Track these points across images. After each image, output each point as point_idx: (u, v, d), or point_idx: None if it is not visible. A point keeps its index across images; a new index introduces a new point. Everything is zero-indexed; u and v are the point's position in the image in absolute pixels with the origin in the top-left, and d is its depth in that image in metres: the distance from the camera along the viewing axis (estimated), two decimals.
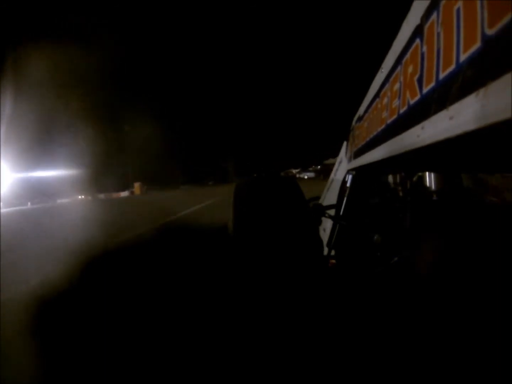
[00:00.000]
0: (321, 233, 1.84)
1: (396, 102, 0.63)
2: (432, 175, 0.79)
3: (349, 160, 1.52)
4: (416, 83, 0.51)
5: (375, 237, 1.24)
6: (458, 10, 0.39)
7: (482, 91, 0.29)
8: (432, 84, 0.43)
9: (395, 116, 0.64)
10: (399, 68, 0.65)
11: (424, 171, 0.80)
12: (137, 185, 38.24)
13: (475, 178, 0.77)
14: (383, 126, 0.76)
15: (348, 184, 1.50)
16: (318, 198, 2.16)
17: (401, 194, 1.06)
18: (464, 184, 0.78)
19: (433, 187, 0.80)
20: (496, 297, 0.60)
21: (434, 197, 0.79)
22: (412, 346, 0.77)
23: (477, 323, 0.61)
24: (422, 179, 0.84)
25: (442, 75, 0.40)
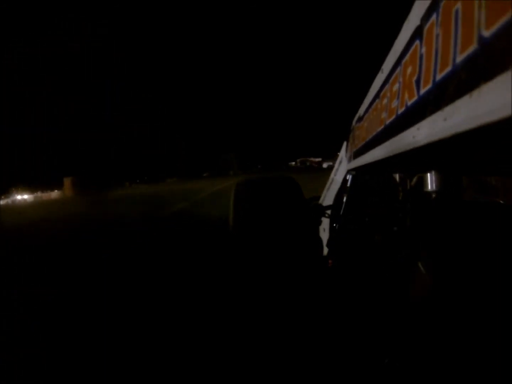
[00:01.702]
0: (321, 233, 1.84)
1: (394, 103, 0.64)
2: (432, 175, 0.79)
3: (349, 160, 1.52)
4: (414, 84, 0.51)
5: (375, 237, 1.24)
6: (456, 11, 0.40)
7: (475, 92, 0.29)
8: (429, 85, 0.43)
9: (393, 117, 0.64)
10: (398, 69, 0.65)
11: (422, 171, 0.80)
12: (67, 181, 25.30)
13: (474, 178, 0.78)
14: (382, 127, 0.77)
15: (348, 184, 1.50)
16: (318, 198, 2.16)
17: (401, 194, 1.06)
18: (463, 184, 0.78)
19: (433, 187, 0.80)
20: (496, 297, 0.60)
21: (434, 197, 0.79)
22: (412, 346, 0.77)
23: (478, 323, 0.61)
24: (422, 179, 0.84)
25: (438, 76, 0.40)
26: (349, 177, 1.50)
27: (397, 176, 1.07)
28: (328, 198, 2.00)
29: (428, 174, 0.80)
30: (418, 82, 0.49)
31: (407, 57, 0.60)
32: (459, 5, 0.39)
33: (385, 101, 0.76)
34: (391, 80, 0.72)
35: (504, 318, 0.57)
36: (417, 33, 0.55)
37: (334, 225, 1.58)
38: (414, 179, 0.94)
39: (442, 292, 0.73)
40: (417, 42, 0.55)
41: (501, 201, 0.74)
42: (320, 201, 2.13)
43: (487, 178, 0.76)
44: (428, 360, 0.72)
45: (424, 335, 0.75)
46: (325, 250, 1.63)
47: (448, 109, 0.35)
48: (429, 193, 0.80)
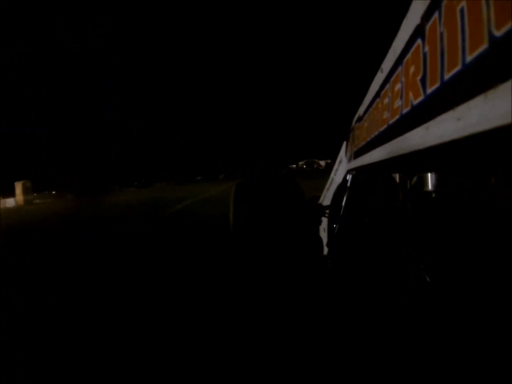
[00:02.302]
0: (321, 232, 1.84)
1: (398, 103, 0.63)
2: (432, 175, 0.79)
3: (349, 160, 1.52)
4: (419, 84, 0.51)
5: (375, 237, 1.24)
6: (462, 10, 0.39)
7: (490, 93, 0.28)
8: (437, 84, 0.42)
9: (397, 117, 0.64)
10: (400, 68, 0.65)
11: (425, 172, 0.80)
12: (18, 186, 21.45)
13: (475, 178, 0.77)
14: (384, 126, 0.76)
15: (348, 184, 1.50)
16: (318, 197, 2.16)
17: (401, 194, 1.06)
18: (464, 184, 0.78)
19: (433, 187, 0.80)
20: (495, 296, 0.60)
21: (434, 197, 0.79)
22: (412, 345, 0.77)
23: (477, 322, 0.62)
24: (422, 179, 0.84)
25: (447, 76, 0.39)
26: (349, 177, 1.50)
27: (397, 176, 1.07)
28: (328, 198, 2.00)
29: (428, 174, 0.79)
30: (423, 81, 0.49)
31: (409, 56, 0.59)
32: (463, 5, 0.39)
33: (386, 100, 0.76)
34: (392, 79, 0.72)
35: (504, 319, 0.58)
36: (418, 32, 0.54)
37: (334, 225, 1.58)
38: (414, 179, 0.94)
39: (442, 291, 0.73)
40: (419, 41, 0.54)
41: (501, 201, 0.74)
42: (320, 201, 2.14)
43: (487, 177, 0.76)
44: (428, 360, 0.72)
45: (424, 335, 0.75)
46: (325, 250, 1.63)
47: (461, 109, 0.34)
48: (429, 193, 0.80)
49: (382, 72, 0.84)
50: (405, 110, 0.58)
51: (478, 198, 0.77)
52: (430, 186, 0.80)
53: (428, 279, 0.79)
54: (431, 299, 0.75)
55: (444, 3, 0.44)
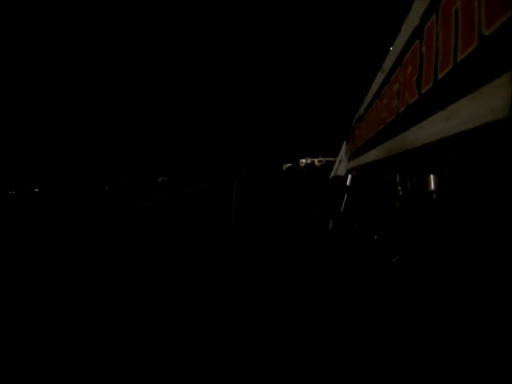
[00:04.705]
0: (322, 231, 1.84)
1: (395, 102, 0.64)
2: (432, 175, 0.79)
3: (349, 160, 1.52)
4: (415, 84, 0.51)
5: (375, 237, 1.24)
6: (456, 11, 0.40)
7: (478, 92, 0.29)
8: (430, 84, 0.43)
9: (394, 116, 0.64)
10: (398, 68, 0.65)
11: (423, 171, 0.80)
12: None
13: (472, 178, 0.78)
14: (382, 126, 0.76)
15: (348, 184, 1.50)
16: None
17: (401, 194, 1.06)
18: (463, 184, 0.78)
19: (433, 187, 0.80)
20: (494, 295, 0.60)
21: (434, 197, 0.79)
22: (412, 344, 0.78)
23: (476, 321, 0.62)
24: (422, 179, 0.84)
25: (440, 76, 0.40)
26: (349, 177, 1.50)
27: (397, 176, 1.07)
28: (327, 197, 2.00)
29: (428, 174, 0.80)
30: (419, 81, 0.49)
31: (407, 56, 0.60)
32: (458, 5, 0.39)
33: (385, 100, 0.76)
34: (391, 79, 0.72)
35: (504, 318, 0.58)
36: (417, 32, 0.55)
37: (334, 224, 1.59)
38: (414, 179, 0.94)
39: (442, 290, 0.74)
40: (417, 41, 0.55)
41: (500, 201, 0.74)
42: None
43: (486, 178, 0.76)
44: (428, 359, 0.72)
45: (424, 335, 0.75)
46: (325, 249, 1.64)
47: (450, 109, 0.35)
48: (429, 193, 0.80)
49: (382, 72, 0.84)
50: (401, 110, 0.58)
51: (476, 198, 0.77)
52: (430, 186, 0.80)
53: (427, 278, 0.79)
54: (431, 297, 0.76)
55: (441, 4, 0.45)
